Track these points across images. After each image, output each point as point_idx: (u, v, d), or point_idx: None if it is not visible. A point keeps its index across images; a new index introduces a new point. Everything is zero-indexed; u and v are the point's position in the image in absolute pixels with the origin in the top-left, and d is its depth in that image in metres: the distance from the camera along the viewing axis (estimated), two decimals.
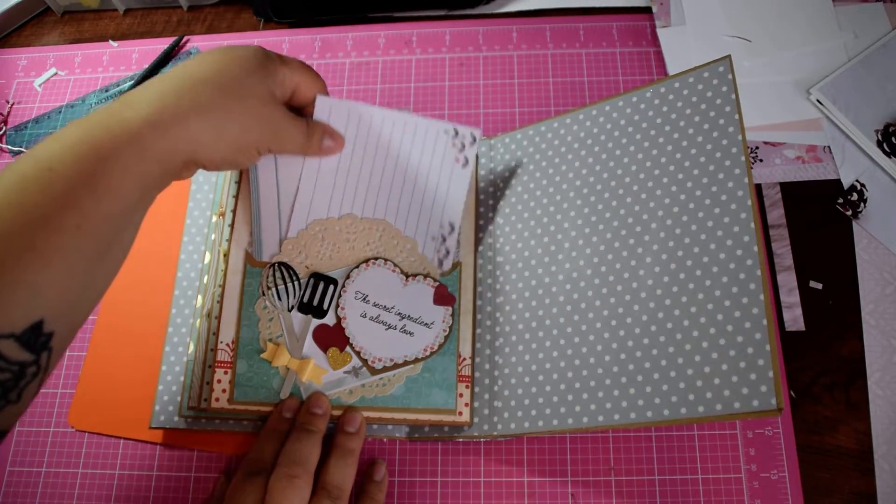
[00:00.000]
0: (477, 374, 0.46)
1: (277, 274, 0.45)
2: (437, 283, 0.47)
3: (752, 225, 0.38)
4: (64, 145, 0.31)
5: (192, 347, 0.47)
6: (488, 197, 0.50)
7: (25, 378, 0.30)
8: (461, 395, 0.45)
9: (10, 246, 0.28)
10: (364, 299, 0.46)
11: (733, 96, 0.41)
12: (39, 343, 0.30)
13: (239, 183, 0.47)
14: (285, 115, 0.39)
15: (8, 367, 0.29)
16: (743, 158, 0.40)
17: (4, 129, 0.58)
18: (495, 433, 0.43)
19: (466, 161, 0.46)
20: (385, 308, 0.46)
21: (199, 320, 0.47)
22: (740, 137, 0.40)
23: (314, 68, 0.42)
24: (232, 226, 0.46)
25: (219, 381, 0.42)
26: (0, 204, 0.29)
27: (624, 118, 0.45)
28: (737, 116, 0.41)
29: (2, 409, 0.29)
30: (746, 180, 0.39)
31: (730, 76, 0.42)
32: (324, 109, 0.43)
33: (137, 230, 0.36)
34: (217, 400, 0.42)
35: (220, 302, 0.44)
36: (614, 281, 0.42)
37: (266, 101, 0.37)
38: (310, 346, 0.45)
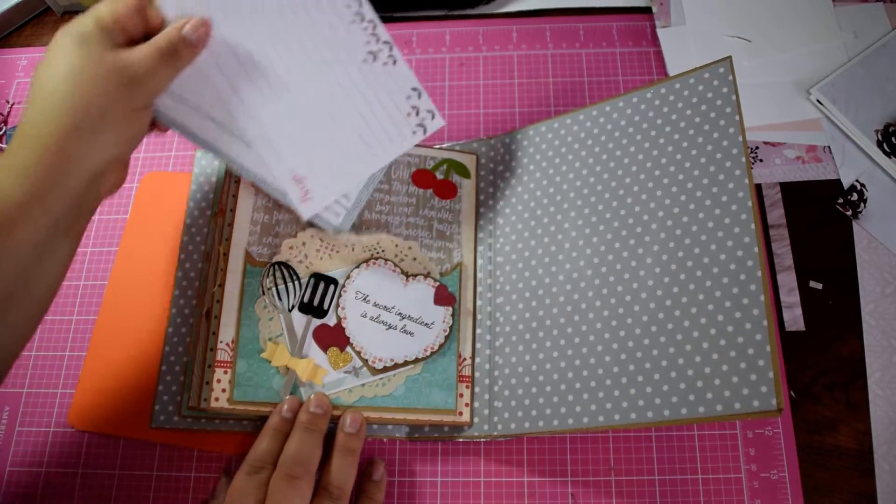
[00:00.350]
0: (477, 375, 0.46)
1: (277, 274, 0.45)
2: (438, 284, 0.47)
3: (753, 226, 0.38)
4: None
5: (192, 347, 0.47)
6: (488, 197, 0.50)
7: None
8: (461, 396, 0.45)
9: None
10: (364, 299, 0.46)
11: (734, 97, 0.41)
12: None
13: (238, 182, 0.47)
14: (129, 57, 0.36)
15: None
16: (743, 159, 0.40)
17: (4, 129, 0.58)
18: (495, 433, 0.43)
19: (361, 2, 0.42)
20: (385, 308, 0.46)
21: (199, 320, 0.47)
22: (740, 138, 0.40)
23: None
24: (231, 225, 0.46)
25: (218, 381, 0.42)
26: None
27: (624, 118, 0.45)
28: (737, 117, 0.41)
29: None
30: (747, 181, 0.39)
31: (730, 77, 0.42)
32: (168, 4, 0.38)
33: (56, 277, 0.38)
34: (217, 400, 0.42)
35: (220, 302, 0.44)
36: (614, 281, 0.42)
37: (104, 65, 0.35)
38: (310, 345, 0.45)
